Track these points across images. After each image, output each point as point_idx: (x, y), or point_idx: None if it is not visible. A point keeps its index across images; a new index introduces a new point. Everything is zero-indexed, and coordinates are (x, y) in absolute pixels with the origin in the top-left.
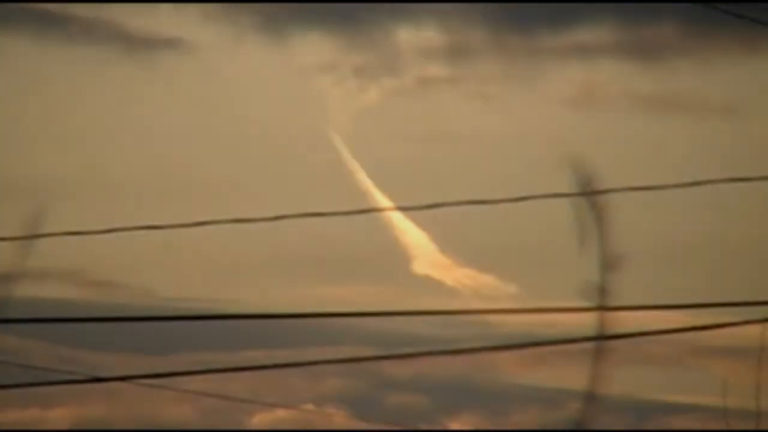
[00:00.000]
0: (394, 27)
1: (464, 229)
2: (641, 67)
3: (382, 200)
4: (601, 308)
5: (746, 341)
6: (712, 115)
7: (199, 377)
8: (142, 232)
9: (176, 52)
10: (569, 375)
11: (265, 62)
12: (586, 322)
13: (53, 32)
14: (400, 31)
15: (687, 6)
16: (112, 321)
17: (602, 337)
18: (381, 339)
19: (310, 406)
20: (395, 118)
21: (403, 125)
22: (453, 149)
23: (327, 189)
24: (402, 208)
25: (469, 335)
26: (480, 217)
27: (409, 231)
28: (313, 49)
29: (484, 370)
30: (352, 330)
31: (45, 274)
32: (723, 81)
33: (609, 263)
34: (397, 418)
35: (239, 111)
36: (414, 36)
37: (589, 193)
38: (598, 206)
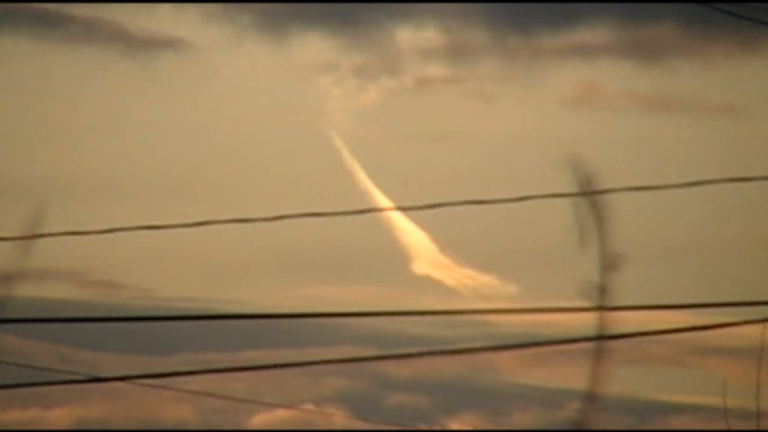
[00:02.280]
0: (394, 27)
1: (464, 229)
2: (641, 67)
3: (382, 200)
4: (601, 308)
5: (746, 341)
6: (712, 115)
7: (199, 377)
8: (142, 232)
9: (176, 52)
10: (569, 375)
11: (265, 62)
12: (586, 322)
13: (53, 32)
14: (400, 31)
15: (687, 6)
16: (112, 321)
17: (602, 337)
18: (381, 339)
19: (310, 406)
20: (395, 118)
21: (403, 125)
22: (453, 149)
23: (327, 189)
24: (402, 208)
25: (469, 335)
26: (480, 217)
27: (409, 231)
28: (313, 49)
29: (484, 370)
30: (352, 330)
31: (45, 274)
32: (723, 81)
33: (609, 263)
34: (397, 418)
35: (239, 111)
36: (414, 36)
37: (589, 193)
38: (598, 206)
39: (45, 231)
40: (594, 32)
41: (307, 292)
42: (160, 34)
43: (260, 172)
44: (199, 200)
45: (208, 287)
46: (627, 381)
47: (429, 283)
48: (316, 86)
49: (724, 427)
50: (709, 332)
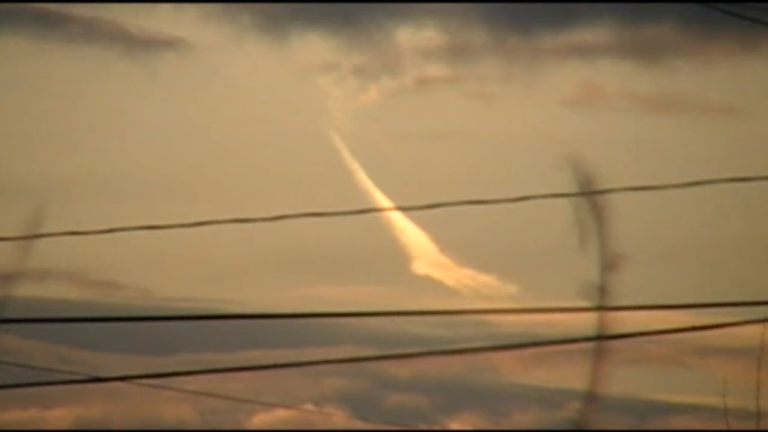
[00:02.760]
0: (394, 27)
1: (464, 229)
2: (641, 67)
3: (382, 200)
4: (601, 308)
5: (746, 341)
6: (712, 115)
7: (199, 377)
8: (142, 232)
9: (176, 52)
10: (569, 375)
11: (265, 62)
12: (586, 322)
13: (53, 32)
14: (400, 31)
15: (687, 6)
16: (112, 321)
17: (602, 337)
18: (381, 339)
19: (310, 406)
20: (395, 118)
21: (403, 125)
22: (453, 149)
23: (327, 189)
24: (402, 208)
25: (469, 335)
26: (480, 217)
27: (409, 231)
28: (313, 49)
29: (484, 370)
30: (352, 330)
31: (45, 274)
32: (723, 81)
33: (609, 263)
34: (397, 418)
35: (239, 111)
36: (414, 36)
37: (589, 193)
38: (598, 206)
39: (45, 231)
40: (594, 32)
41: (307, 292)
42: (160, 34)
43: (260, 172)
44: (199, 200)
45: (208, 287)
46: (627, 381)
47: (429, 283)
48: (316, 86)
49: (724, 427)
50: (709, 332)
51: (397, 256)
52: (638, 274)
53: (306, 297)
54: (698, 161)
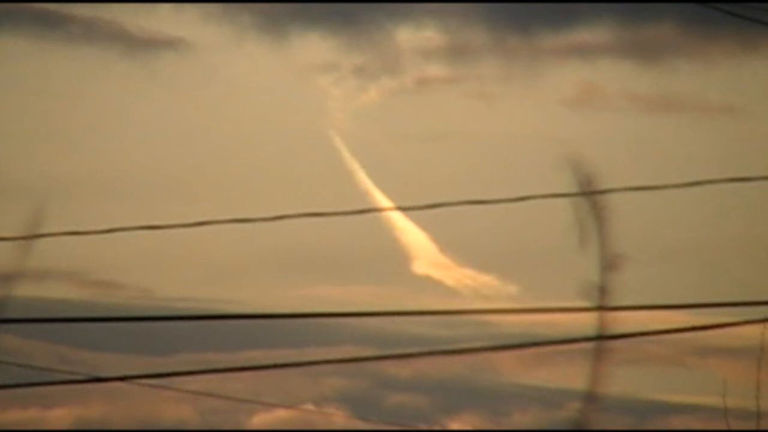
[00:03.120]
0: (394, 27)
1: (464, 229)
2: (641, 67)
3: (382, 200)
4: (601, 308)
5: (746, 341)
6: (712, 115)
7: (199, 377)
8: (142, 232)
9: (176, 52)
10: (569, 375)
11: (265, 62)
12: (586, 322)
13: (53, 32)
14: (400, 31)
15: (687, 6)
16: (112, 321)
17: (602, 337)
18: (381, 339)
19: (310, 406)
20: (395, 118)
21: (403, 125)
22: (453, 149)
23: (327, 189)
24: (402, 208)
25: (469, 335)
26: (480, 217)
27: (409, 231)
28: (313, 49)
29: (484, 370)
30: (352, 330)
31: (45, 274)
32: (723, 81)
33: (609, 263)
34: (397, 418)
35: (239, 111)
36: (414, 36)
37: (589, 193)
38: (598, 206)
39: (45, 231)
40: (594, 32)
41: (307, 292)
42: (160, 34)
43: (260, 172)
44: (199, 200)
45: (208, 287)
46: (627, 381)
47: (429, 283)
48: (316, 86)
49: (724, 427)
50: (709, 332)
51: (397, 256)
52: (638, 274)
53: (306, 297)
54: (698, 161)
